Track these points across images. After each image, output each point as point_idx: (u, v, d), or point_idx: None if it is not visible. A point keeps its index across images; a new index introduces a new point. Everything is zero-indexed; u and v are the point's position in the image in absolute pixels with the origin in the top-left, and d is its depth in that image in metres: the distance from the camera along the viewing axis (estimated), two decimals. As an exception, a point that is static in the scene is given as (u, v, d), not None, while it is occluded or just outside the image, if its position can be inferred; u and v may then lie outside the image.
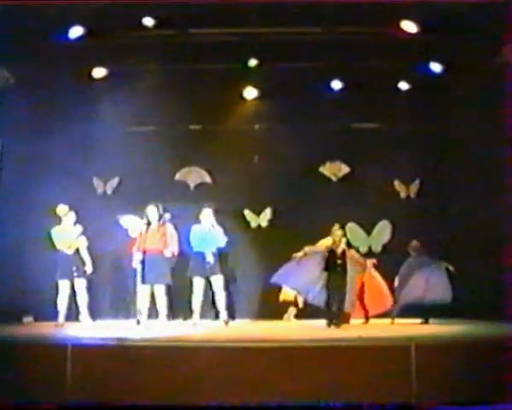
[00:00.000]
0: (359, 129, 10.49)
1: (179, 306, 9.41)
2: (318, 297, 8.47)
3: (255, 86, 10.28)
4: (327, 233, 8.73)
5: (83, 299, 8.68)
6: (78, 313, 8.73)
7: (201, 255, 8.56)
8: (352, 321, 8.74)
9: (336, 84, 10.15)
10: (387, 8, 8.02)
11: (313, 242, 9.30)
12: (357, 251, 9.30)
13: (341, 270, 8.22)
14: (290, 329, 8.62)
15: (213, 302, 8.85)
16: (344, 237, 8.49)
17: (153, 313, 8.63)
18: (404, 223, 10.08)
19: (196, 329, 8.09)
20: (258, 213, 10.57)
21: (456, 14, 7.98)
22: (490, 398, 5.49)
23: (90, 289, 8.80)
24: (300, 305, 9.59)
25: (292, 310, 9.72)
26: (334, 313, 8.17)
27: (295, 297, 9.54)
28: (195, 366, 5.75)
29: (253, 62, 9.75)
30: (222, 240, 8.67)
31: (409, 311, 8.82)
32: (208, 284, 8.69)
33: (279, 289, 9.48)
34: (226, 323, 8.47)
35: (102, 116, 9.98)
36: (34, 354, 5.88)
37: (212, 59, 9.48)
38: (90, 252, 8.78)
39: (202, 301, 8.66)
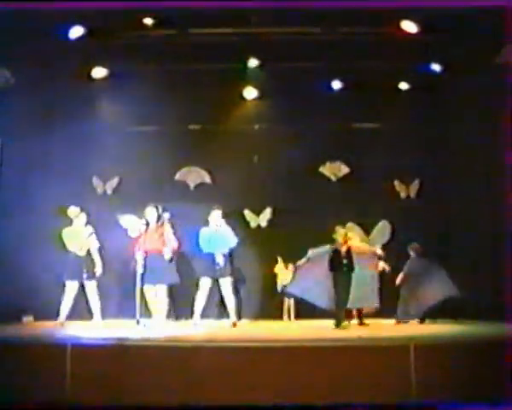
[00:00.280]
0: (359, 129, 10.49)
1: (182, 306, 9.44)
2: (327, 300, 8.43)
3: (255, 86, 10.29)
4: (327, 233, 8.74)
5: (95, 301, 8.69)
6: (91, 314, 8.72)
7: (211, 257, 8.50)
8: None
9: (336, 84, 10.16)
10: (388, 8, 8.01)
11: (313, 242, 9.31)
12: None
13: (347, 269, 8.14)
14: (290, 329, 8.62)
15: (222, 303, 8.81)
16: (347, 235, 8.43)
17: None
18: (404, 223, 10.08)
19: (196, 329, 8.08)
20: (257, 213, 10.58)
21: (456, 15, 7.98)
22: (489, 398, 5.49)
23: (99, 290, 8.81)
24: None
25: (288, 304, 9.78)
26: (340, 313, 8.09)
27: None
28: (195, 366, 5.75)
29: (252, 62, 9.76)
30: (232, 241, 8.64)
31: (416, 312, 8.82)
32: (216, 285, 8.64)
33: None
34: (234, 325, 8.40)
35: (102, 116, 10.00)
36: (34, 353, 5.88)
37: (212, 59, 9.49)
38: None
39: (205, 303, 8.62)
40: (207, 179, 10.64)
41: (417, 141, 10.25)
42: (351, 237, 8.60)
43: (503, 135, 8.01)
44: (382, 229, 10.42)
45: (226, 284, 8.47)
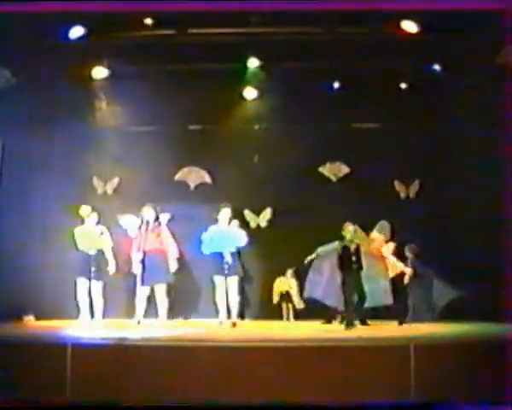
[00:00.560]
0: (359, 129, 10.48)
1: (179, 306, 9.44)
2: (336, 299, 8.37)
3: (255, 86, 10.28)
4: (326, 233, 8.75)
5: (98, 301, 8.70)
6: (92, 314, 8.74)
7: (220, 255, 8.47)
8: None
9: (336, 85, 10.15)
10: (388, 8, 8.01)
11: (313, 242, 9.32)
12: None
13: (357, 267, 8.04)
14: (290, 329, 8.62)
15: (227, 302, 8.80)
16: (356, 232, 8.35)
17: (154, 312, 8.62)
18: (404, 223, 10.07)
19: (217, 328, 8.11)
20: (257, 213, 10.57)
21: (456, 15, 7.98)
22: (489, 398, 5.49)
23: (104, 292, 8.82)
24: (296, 300, 9.65)
25: (287, 308, 9.78)
26: (350, 313, 7.98)
27: (288, 291, 9.62)
28: (195, 365, 5.76)
29: (252, 62, 9.76)
30: (242, 239, 8.61)
31: (429, 316, 8.82)
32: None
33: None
34: (234, 325, 8.38)
35: (102, 116, 9.99)
36: (34, 353, 5.89)
37: (212, 59, 9.49)
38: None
39: (226, 300, 8.54)
40: (207, 179, 10.64)
41: (417, 141, 10.24)
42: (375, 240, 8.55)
43: (504, 135, 8.01)
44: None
45: (233, 283, 8.46)
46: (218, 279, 8.48)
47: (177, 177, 10.60)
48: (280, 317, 9.87)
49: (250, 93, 10.39)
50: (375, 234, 9.34)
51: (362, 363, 5.77)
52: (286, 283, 9.81)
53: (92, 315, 8.73)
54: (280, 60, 9.54)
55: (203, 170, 10.62)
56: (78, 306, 8.65)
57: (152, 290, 8.42)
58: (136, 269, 8.32)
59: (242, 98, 10.44)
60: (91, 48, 9.10)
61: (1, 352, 5.88)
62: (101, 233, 8.75)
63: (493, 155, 8.59)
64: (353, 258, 8.06)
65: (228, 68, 9.80)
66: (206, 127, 10.55)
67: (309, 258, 8.86)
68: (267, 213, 10.55)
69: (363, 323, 8.61)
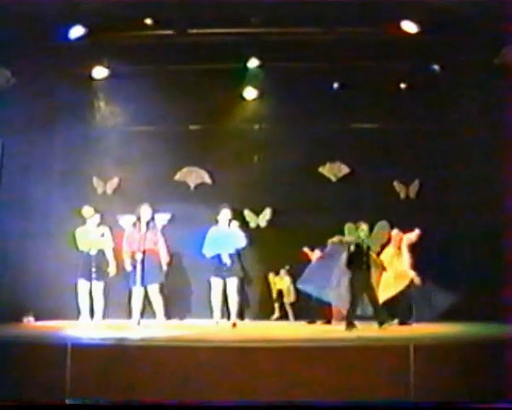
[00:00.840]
0: (359, 129, 10.48)
1: (179, 306, 9.45)
2: (342, 298, 8.22)
3: (255, 86, 10.28)
4: (326, 233, 8.74)
5: (99, 302, 8.71)
6: (93, 314, 8.74)
7: (218, 257, 8.46)
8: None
9: (336, 85, 10.15)
10: (388, 8, 8.02)
11: (313, 242, 9.33)
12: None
13: (366, 268, 7.93)
14: (290, 329, 8.62)
15: (226, 303, 8.80)
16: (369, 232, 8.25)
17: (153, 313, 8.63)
18: (404, 223, 10.06)
19: (217, 328, 8.11)
20: (257, 213, 10.57)
21: (456, 15, 7.98)
22: (489, 398, 5.49)
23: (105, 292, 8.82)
24: (291, 298, 9.66)
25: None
26: (352, 315, 7.84)
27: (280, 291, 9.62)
28: (195, 365, 5.76)
29: (253, 62, 9.76)
30: (241, 241, 8.61)
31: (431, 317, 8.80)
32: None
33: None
34: (234, 325, 8.37)
35: (102, 116, 9.99)
36: (34, 353, 5.88)
37: (212, 59, 9.49)
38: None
39: (222, 301, 8.56)
40: (207, 179, 10.64)
41: (417, 141, 10.24)
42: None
43: (503, 135, 8.01)
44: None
45: (232, 284, 8.46)
46: (215, 281, 8.47)
47: (176, 177, 10.60)
48: (280, 317, 9.88)
49: (250, 93, 10.39)
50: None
51: (361, 363, 5.77)
52: (279, 281, 9.82)
53: (92, 315, 8.73)
54: (280, 60, 9.54)
55: (203, 170, 10.62)
56: (78, 307, 8.64)
57: (146, 291, 8.41)
58: (129, 267, 8.32)
59: (242, 98, 10.44)
60: (91, 48, 9.10)
61: (1, 352, 5.87)
62: (103, 235, 8.75)
63: (493, 154, 8.60)
64: (364, 258, 7.96)
65: (228, 68, 9.80)
66: (206, 127, 10.55)
67: (333, 240, 8.61)
68: (267, 213, 10.56)
69: (403, 322, 8.43)
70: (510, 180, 7.90)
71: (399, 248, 8.83)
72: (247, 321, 9.49)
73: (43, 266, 9.24)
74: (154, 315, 8.56)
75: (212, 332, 7.72)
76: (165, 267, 8.49)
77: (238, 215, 10.31)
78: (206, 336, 7.00)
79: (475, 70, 8.96)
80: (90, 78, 9.81)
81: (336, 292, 8.39)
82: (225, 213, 8.56)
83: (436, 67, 9.66)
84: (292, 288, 9.75)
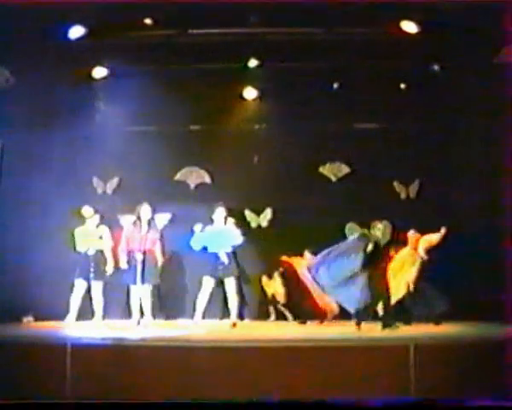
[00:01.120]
0: (359, 129, 10.48)
1: (174, 306, 9.48)
2: (352, 298, 7.82)
3: (255, 86, 10.28)
4: (327, 233, 8.74)
5: (98, 301, 8.72)
6: (92, 314, 8.76)
7: (215, 255, 8.47)
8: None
9: (336, 85, 10.14)
10: (387, 8, 8.02)
11: (313, 242, 9.32)
12: None
13: (382, 267, 7.85)
14: (290, 329, 8.62)
15: (225, 303, 8.80)
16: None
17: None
18: (404, 223, 10.06)
19: (196, 328, 8.09)
20: (258, 213, 10.57)
21: (456, 15, 7.98)
22: (489, 398, 5.49)
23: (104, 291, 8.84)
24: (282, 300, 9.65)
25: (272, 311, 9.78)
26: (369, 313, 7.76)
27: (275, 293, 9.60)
28: (194, 365, 5.76)
29: (253, 62, 9.76)
30: (237, 239, 8.59)
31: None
32: (221, 284, 8.62)
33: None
34: (234, 325, 8.37)
35: (102, 116, 9.99)
36: (34, 353, 5.89)
37: (212, 59, 9.48)
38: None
39: (207, 302, 8.58)
40: (207, 179, 10.64)
41: (417, 141, 10.24)
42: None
43: (503, 135, 8.01)
44: (382, 229, 10.39)
45: (230, 284, 8.44)
46: (207, 280, 8.47)
47: (176, 177, 10.60)
48: (279, 317, 9.87)
49: (250, 93, 10.39)
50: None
51: (362, 363, 5.77)
52: (272, 284, 9.81)
53: (93, 315, 8.75)
54: (280, 60, 9.53)
55: (203, 170, 10.62)
56: (68, 306, 8.65)
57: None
58: (124, 265, 8.34)
59: (242, 98, 10.44)
60: (91, 48, 9.09)
61: (0, 352, 5.88)
62: (101, 237, 8.78)
63: (493, 154, 8.60)
64: (380, 258, 7.86)
65: (228, 68, 9.80)
66: (206, 127, 10.55)
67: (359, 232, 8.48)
68: (268, 214, 10.56)
69: (437, 323, 8.34)
70: (510, 180, 7.90)
71: (416, 249, 8.74)
72: (247, 321, 9.49)
73: (42, 266, 9.24)
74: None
75: (212, 332, 7.72)
76: (159, 269, 8.51)
77: (239, 215, 10.36)
78: (205, 337, 7.01)
79: (475, 70, 8.96)
80: (90, 78, 9.80)
81: (348, 292, 7.97)
82: (220, 212, 8.57)
83: (436, 67, 9.65)
84: (283, 290, 9.68)
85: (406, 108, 10.02)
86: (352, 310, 7.83)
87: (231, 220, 8.82)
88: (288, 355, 5.86)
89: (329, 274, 7.94)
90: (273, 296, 9.79)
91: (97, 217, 8.87)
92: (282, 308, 9.79)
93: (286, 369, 5.78)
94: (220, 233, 8.52)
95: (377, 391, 5.63)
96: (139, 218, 8.42)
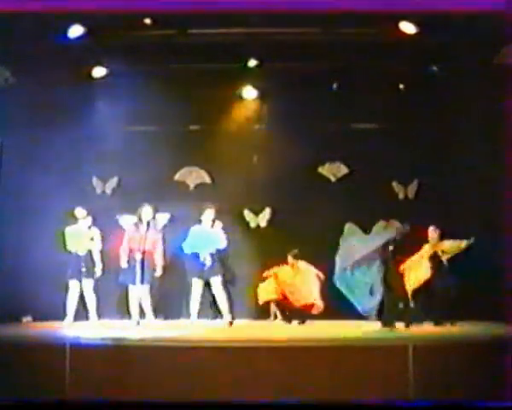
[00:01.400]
0: (358, 129, 10.48)
1: (173, 306, 9.49)
2: (373, 307, 7.82)
3: (255, 86, 10.29)
4: (326, 233, 8.74)
5: (91, 299, 8.76)
6: (86, 312, 8.78)
7: (199, 256, 8.55)
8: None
9: (336, 85, 10.15)
10: (387, 8, 8.01)
11: (312, 242, 9.33)
12: None
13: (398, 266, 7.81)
14: (289, 329, 8.62)
15: (214, 303, 8.82)
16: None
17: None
18: (403, 224, 10.06)
19: (193, 329, 8.11)
20: (257, 213, 10.57)
21: (455, 15, 7.98)
22: (489, 398, 5.49)
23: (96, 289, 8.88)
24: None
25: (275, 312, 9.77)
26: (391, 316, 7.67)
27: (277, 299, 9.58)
28: (194, 365, 5.76)
29: (252, 62, 9.76)
30: (221, 242, 8.65)
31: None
32: (207, 285, 8.67)
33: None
34: (231, 324, 8.40)
35: (102, 116, 9.98)
36: (33, 353, 5.89)
37: (211, 59, 9.49)
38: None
39: (200, 303, 8.64)
40: (207, 179, 10.64)
41: (416, 142, 10.24)
42: None
43: (503, 135, 8.01)
44: (381, 229, 10.39)
45: (216, 284, 8.49)
46: (195, 282, 8.57)
47: (176, 177, 10.60)
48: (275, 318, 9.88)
49: (250, 93, 10.39)
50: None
51: (361, 363, 5.78)
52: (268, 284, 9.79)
53: (87, 314, 8.77)
54: (280, 60, 9.53)
55: (203, 170, 10.62)
56: (65, 308, 8.66)
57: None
58: (125, 264, 8.36)
59: (242, 98, 10.44)
60: (91, 48, 9.09)
61: (0, 352, 5.88)
62: (92, 239, 8.80)
63: (493, 155, 8.60)
64: (399, 257, 7.91)
65: (228, 68, 9.80)
66: (205, 127, 10.55)
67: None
68: (267, 214, 10.56)
69: (438, 323, 8.28)
70: (510, 180, 7.90)
71: (435, 246, 8.76)
72: (246, 321, 9.49)
73: (42, 266, 9.23)
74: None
75: (212, 332, 7.73)
76: (159, 271, 8.52)
77: (238, 215, 10.37)
78: (205, 337, 7.01)
79: (474, 70, 8.96)
80: (90, 77, 9.80)
81: (371, 301, 7.90)
82: (209, 213, 8.61)
83: (435, 67, 9.65)
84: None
85: (405, 108, 10.03)
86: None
87: (219, 224, 8.85)
88: (288, 355, 5.86)
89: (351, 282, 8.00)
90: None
91: (90, 219, 8.89)
92: (275, 308, 9.81)
93: (285, 369, 5.78)
94: (206, 235, 8.58)
95: (376, 391, 5.63)
96: (140, 219, 8.45)
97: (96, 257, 8.78)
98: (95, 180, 10.48)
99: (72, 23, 8.56)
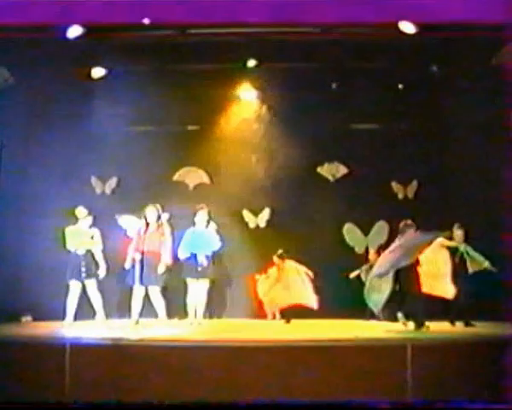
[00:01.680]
0: (357, 129, 10.49)
1: (176, 306, 9.48)
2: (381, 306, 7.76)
3: (254, 86, 10.29)
4: (325, 233, 8.74)
5: (97, 299, 8.72)
6: (94, 313, 8.75)
7: (194, 257, 8.57)
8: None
9: (335, 85, 10.15)
10: (387, 9, 8.02)
11: (311, 242, 9.33)
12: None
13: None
14: (288, 329, 8.63)
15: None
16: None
17: (150, 313, 8.63)
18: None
19: (192, 328, 8.12)
20: (256, 213, 10.58)
21: (454, 15, 7.98)
22: (489, 398, 5.50)
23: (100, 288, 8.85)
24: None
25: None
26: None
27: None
28: (192, 365, 5.77)
29: (251, 63, 9.76)
30: (216, 244, 8.68)
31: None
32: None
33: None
34: (191, 324, 8.43)
35: (102, 116, 9.98)
36: (33, 353, 5.89)
37: (211, 59, 9.49)
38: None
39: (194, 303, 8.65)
40: (206, 180, 10.64)
41: (415, 142, 10.25)
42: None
43: (502, 135, 8.01)
44: (380, 229, 10.41)
45: (202, 286, 8.55)
46: (191, 282, 8.59)
47: (175, 177, 10.60)
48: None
49: (249, 93, 10.40)
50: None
51: (360, 363, 5.78)
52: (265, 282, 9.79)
53: (94, 314, 8.76)
54: (279, 60, 9.54)
55: (202, 170, 10.63)
56: (64, 308, 8.66)
57: (146, 291, 8.44)
58: (129, 265, 8.36)
59: (241, 98, 10.45)
60: (91, 48, 9.10)
61: (0, 352, 5.88)
62: (92, 237, 8.79)
63: (492, 155, 8.61)
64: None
65: (227, 68, 9.80)
66: (205, 127, 10.55)
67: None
68: (266, 214, 10.56)
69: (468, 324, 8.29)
70: (509, 180, 7.90)
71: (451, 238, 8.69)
72: (246, 321, 9.50)
73: (41, 266, 9.24)
74: (154, 315, 8.60)
75: (210, 332, 7.73)
76: (163, 269, 8.51)
77: (237, 215, 10.38)
78: (203, 337, 7.01)
79: (474, 70, 8.97)
80: (89, 77, 9.80)
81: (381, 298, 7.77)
82: (202, 215, 8.62)
83: (434, 67, 9.66)
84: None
85: (404, 108, 10.04)
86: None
87: (213, 225, 8.87)
88: (287, 355, 5.86)
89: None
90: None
91: (90, 218, 8.88)
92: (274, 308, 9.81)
93: (285, 369, 5.78)
94: (200, 236, 8.61)
95: (375, 391, 5.64)
96: (145, 219, 8.46)
97: (99, 257, 8.73)
98: (94, 180, 10.49)
99: (72, 23, 8.55)
